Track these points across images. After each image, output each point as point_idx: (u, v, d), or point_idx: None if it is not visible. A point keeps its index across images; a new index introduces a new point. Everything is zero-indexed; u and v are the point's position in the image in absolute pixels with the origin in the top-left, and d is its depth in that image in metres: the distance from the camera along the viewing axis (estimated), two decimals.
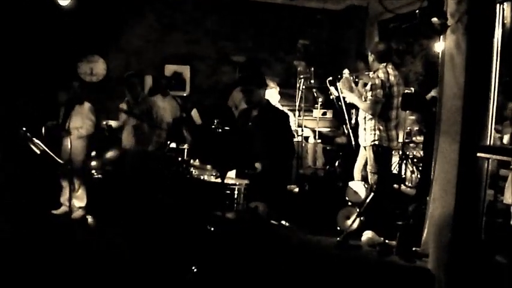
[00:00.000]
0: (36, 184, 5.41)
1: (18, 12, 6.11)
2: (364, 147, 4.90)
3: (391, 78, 4.68)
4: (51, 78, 5.94)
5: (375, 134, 4.72)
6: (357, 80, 5.23)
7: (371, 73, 4.86)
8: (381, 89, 4.60)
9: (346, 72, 5.12)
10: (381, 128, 4.71)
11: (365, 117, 4.81)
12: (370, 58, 4.85)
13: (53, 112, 5.45)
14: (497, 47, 3.51)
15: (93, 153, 5.56)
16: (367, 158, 4.91)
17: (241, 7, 7.51)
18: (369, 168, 4.85)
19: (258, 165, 3.74)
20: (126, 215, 4.69)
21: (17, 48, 6.10)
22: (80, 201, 5.33)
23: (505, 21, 3.58)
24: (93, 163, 5.65)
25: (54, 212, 5.26)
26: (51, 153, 4.58)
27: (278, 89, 6.41)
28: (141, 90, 5.37)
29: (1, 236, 4.29)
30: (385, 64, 4.74)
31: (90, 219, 5.07)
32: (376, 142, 4.71)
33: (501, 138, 4.97)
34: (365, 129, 4.82)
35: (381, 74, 4.66)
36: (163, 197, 4.48)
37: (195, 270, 3.40)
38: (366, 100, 4.76)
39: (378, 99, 4.62)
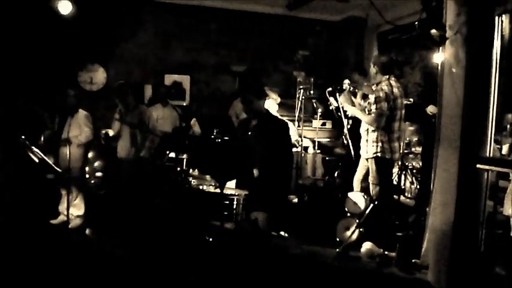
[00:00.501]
0: (34, 193, 5.39)
1: (19, 21, 6.13)
2: (366, 159, 4.88)
3: (395, 90, 4.69)
4: (51, 87, 5.95)
5: (377, 146, 4.70)
6: (356, 90, 5.24)
7: (373, 85, 4.86)
8: (385, 101, 4.60)
9: (346, 82, 5.12)
10: (384, 139, 4.69)
11: (367, 129, 4.80)
12: (373, 70, 4.82)
13: (51, 120, 5.47)
14: (496, 59, 3.53)
15: (96, 164, 5.56)
16: (367, 169, 4.89)
17: (241, 17, 7.56)
18: (370, 179, 4.82)
19: (255, 171, 3.73)
20: (123, 224, 4.66)
21: (18, 57, 6.11)
22: (77, 209, 5.31)
23: (504, 33, 3.61)
24: (86, 169, 5.65)
25: (53, 221, 5.23)
26: (50, 162, 4.58)
27: (279, 99, 6.43)
28: (133, 99, 5.35)
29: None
30: (387, 76, 4.75)
31: (88, 230, 5.03)
32: (379, 154, 4.70)
33: (500, 149, 4.97)
34: (367, 140, 4.80)
35: (384, 87, 4.65)
36: (162, 207, 4.47)
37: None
38: (369, 113, 4.76)
39: (382, 112, 4.62)
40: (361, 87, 5.29)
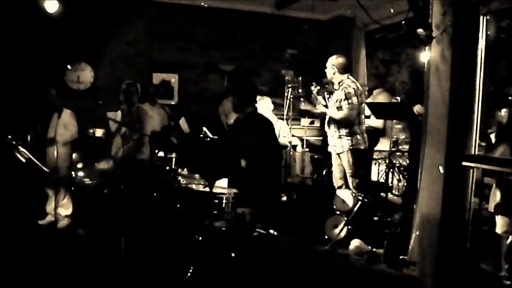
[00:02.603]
0: (21, 193, 5.33)
1: (5, 19, 6.05)
2: (338, 154, 5.06)
3: (358, 86, 5.02)
4: (37, 87, 5.88)
5: (352, 139, 4.93)
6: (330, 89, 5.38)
7: (335, 84, 5.08)
8: (355, 96, 4.87)
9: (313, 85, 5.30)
10: (357, 131, 4.96)
11: (338, 125, 4.98)
12: (331, 71, 5.03)
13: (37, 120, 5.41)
14: (481, 57, 3.59)
15: (80, 165, 5.49)
16: (342, 165, 5.06)
17: (229, 16, 7.55)
18: (348, 172, 4.99)
19: (243, 162, 3.71)
20: (114, 223, 4.63)
21: (3, 56, 6.03)
22: (65, 209, 5.26)
23: (488, 32, 3.66)
24: (80, 173, 5.59)
25: (40, 222, 5.18)
26: (37, 162, 4.54)
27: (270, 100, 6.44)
28: (137, 99, 5.34)
29: None
30: (347, 75, 5.01)
31: (77, 229, 4.99)
32: (355, 146, 4.93)
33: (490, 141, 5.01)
34: (340, 136, 4.99)
35: (350, 83, 4.93)
36: (152, 206, 4.45)
37: (191, 271, 3.37)
38: (338, 109, 4.96)
39: (353, 107, 4.87)
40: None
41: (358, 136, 4.95)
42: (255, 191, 3.72)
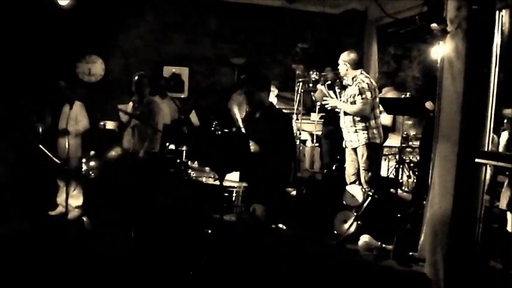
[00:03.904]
0: (32, 184, 5.39)
1: (18, 12, 6.08)
2: (354, 149, 5.05)
3: (372, 81, 5.01)
4: (48, 79, 5.91)
5: (368, 133, 4.94)
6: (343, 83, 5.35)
7: (348, 80, 5.06)
8: (369, 91, 4.88)
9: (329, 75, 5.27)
10: (373, 125, 4.97)
11: (353, 120, 4.99)
12: (344, 67, 5.03)
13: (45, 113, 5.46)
14: (496, 53, 3.53)
15: (92, 153, 5.50)
16: (357, 161, 5.05)
17: (240, 9, 7.52)
18: (362, 166, 4.98)
19: (253, 146, 3.69)
20: (123, 216, 4.66)
21: (15, 48, 6.07)
22: (76, 200, 5.31)
23: (504, 28, 3.61)
24: (92, 163, 5.61)
25: (51, 213, 5.24)
26: (49, 153, 4.57)
27: (276, 91, 6.42)
28: (148, 91, 5.35)
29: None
30: (360, 70, 5.02)
31: (86, 219, 5.03)
32: (371, 140, 4.95)
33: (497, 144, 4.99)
34: (356, 131, 4.99)
35: (364, 79, 4.94)
36: (162, 199, 4.47)
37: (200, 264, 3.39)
38: (351, 104, 4.97)
39: (367, 101, 4.87)
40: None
41: (374, 130, 4.96)
42: (266, 185, 3.71)
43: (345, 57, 5.02)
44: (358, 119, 4.96)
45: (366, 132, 4.94)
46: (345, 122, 5.10)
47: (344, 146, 5.22)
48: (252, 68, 7.10)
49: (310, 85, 6.48)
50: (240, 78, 7.11)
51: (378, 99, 5.10)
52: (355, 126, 4.99)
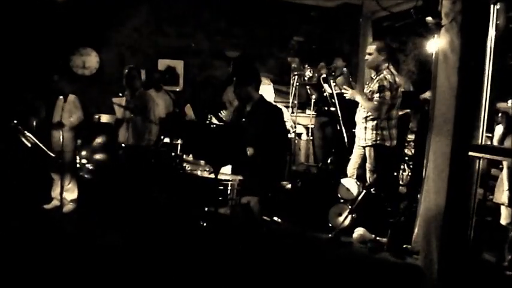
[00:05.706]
0: (26, 178, 5.36)
1: (9, 4, 6.02)
2: (363, 147, 4.86)
3: (397, 79, 4.70)
4: (42, 71, 5.88)
5: (377, 134, 4.70)
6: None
7: (372, 72, 4.84)
8: (389, 91, 4.59)
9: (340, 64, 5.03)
10: (384, 126, 4.70)
11: (366, 117, 4.77)
12: (379, 57, 4.70)
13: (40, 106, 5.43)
14: (491, 47, 3.54)
15: (79, 141, 5.48)
16: (362, 157, 4.90)
17: (235, 2, 7.48)
18: (368, 166, 4.81)
19: (250, 150, 3.68)
20: (118, 209, 4.66)
21: (7, 40, 6.02)
22: (71, 193, 5.30)
23: (498, 22, 3.61)
24: (83, 153, 5.60)
25: (46, 206, 5.22)
26: (43, 147, 4.55)
27: (271, 85, 6.40)
28: (140, 84, 5.33)
29: None
30: (387, 64, 4.73)
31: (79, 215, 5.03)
32: (379, 142, 4.71)
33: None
34: (366, 128, 4.77)
35: (388, 76, 4.64)
36: (156, 192, 4.47)
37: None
38: (369, 99, 4.71)
39: (384, 101, 4.61)
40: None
41: (384, 132, 4.68)
42: (260, 178, 3.72)
43: (380, 45, 4.71)
44: (371, 116, 4.71)
45: (374, 132, 4.70)
46: (358, 117, 4.89)
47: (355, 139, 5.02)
48: (243, 62, 7.09)
49: (305, 78, 6.47)
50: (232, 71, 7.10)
51: (398, 99, 4.76)
52: (365, 124, 4.76)
